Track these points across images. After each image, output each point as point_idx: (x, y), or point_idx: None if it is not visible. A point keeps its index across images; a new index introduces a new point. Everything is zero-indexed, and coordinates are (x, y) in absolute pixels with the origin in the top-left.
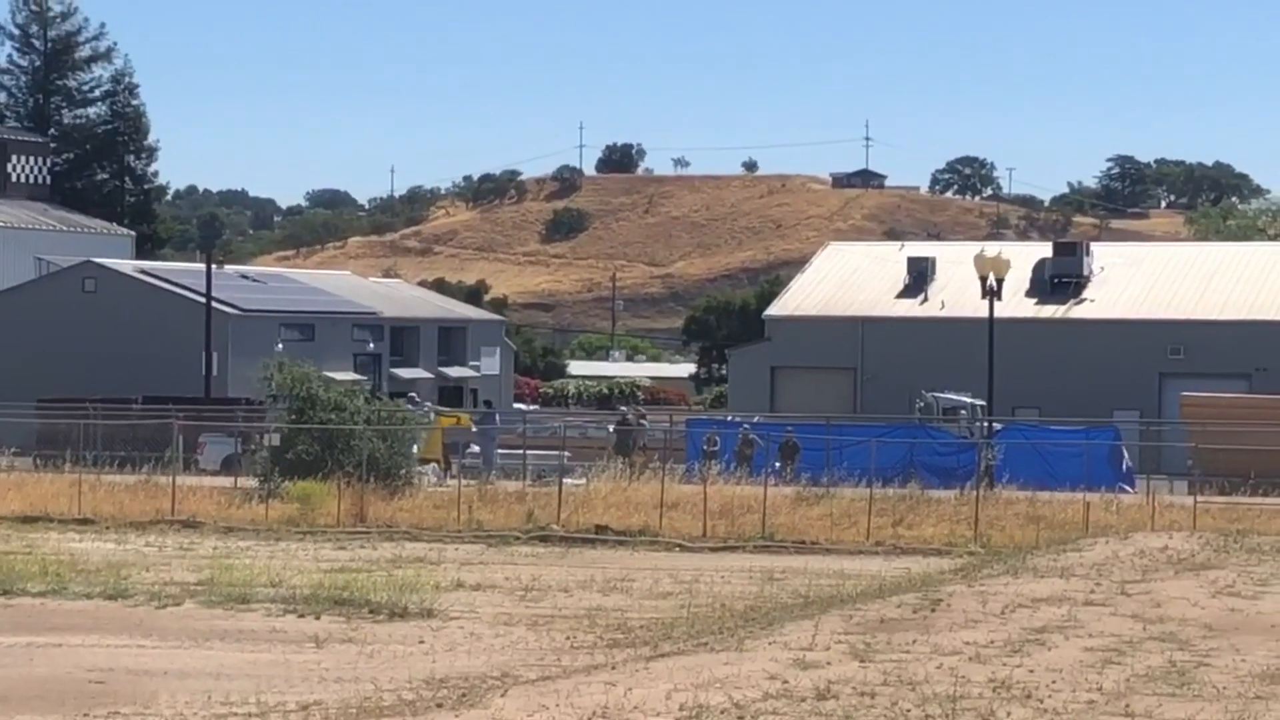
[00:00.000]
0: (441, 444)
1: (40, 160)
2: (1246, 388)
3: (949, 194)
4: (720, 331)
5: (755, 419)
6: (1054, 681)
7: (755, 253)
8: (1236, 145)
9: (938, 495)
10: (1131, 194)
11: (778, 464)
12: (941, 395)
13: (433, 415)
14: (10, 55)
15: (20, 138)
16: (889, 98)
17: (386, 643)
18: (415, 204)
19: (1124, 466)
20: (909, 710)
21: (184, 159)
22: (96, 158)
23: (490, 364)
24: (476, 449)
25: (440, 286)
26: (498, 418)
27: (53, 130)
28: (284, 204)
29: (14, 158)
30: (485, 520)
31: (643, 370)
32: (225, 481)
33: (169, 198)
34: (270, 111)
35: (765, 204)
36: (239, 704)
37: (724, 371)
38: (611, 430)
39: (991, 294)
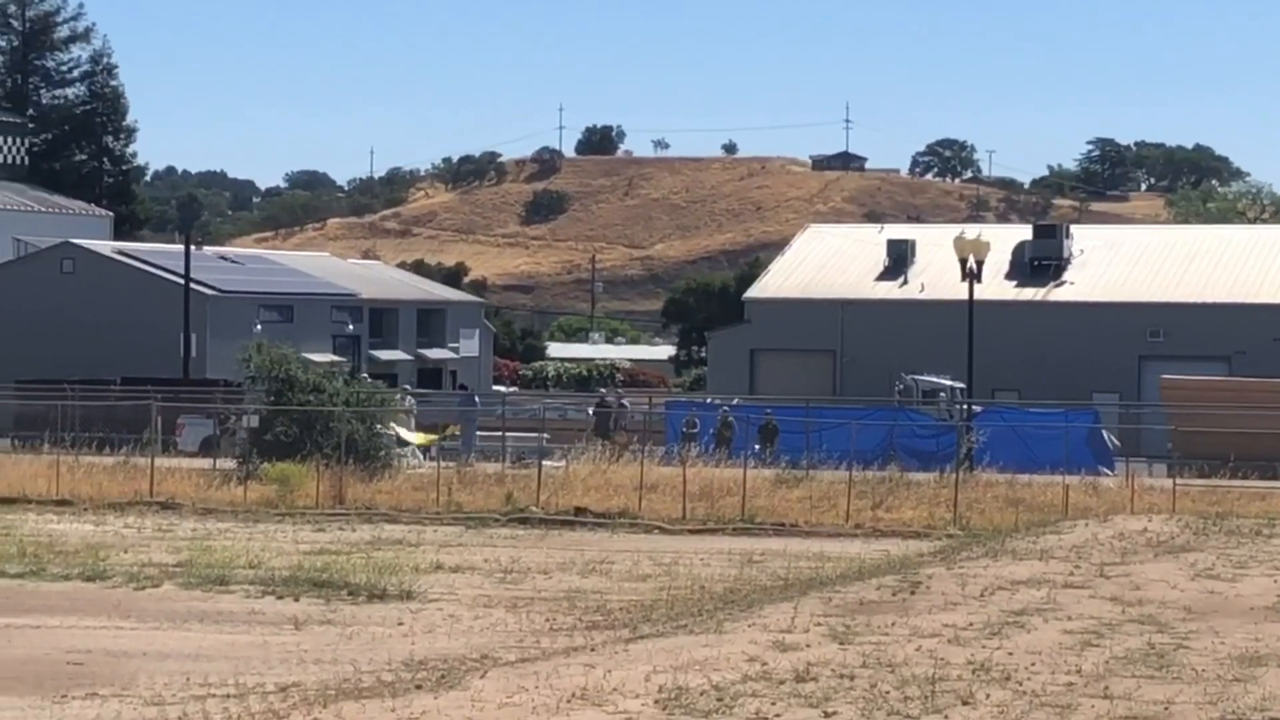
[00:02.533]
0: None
1: (18, 141)
2: (1226, 370)
3: (929, 176)
4: (700, 314)
5: (734, 401)
6: (1033, 664)
7: (735, 235)
8: (1216, 128)
9: (917, 478)
10: (1111, 176)
11: (757, 446)
12: (921, 378)
13: (410, 401)
14: None
15: None
16: (869, 80)
17: (365, 624)
18: (394, 185)
19: (1109, 447)
20: (888, 692)
21: (163, 140)
22: (75, 138)
23: (469, 346)
24: (456, 431)
25: (419, 268)
26: (477, 400)
27: (31, 110)
28: (263, 185)
29: None
30: (464, 502)
31: (622, 352)
32: (204, 463)
33: (147, 179)
34: (250, 93)
35: (745, 186)
36: (217, 685)
37: (703, 354)
38: (590, 413)
39: (971, 276)
